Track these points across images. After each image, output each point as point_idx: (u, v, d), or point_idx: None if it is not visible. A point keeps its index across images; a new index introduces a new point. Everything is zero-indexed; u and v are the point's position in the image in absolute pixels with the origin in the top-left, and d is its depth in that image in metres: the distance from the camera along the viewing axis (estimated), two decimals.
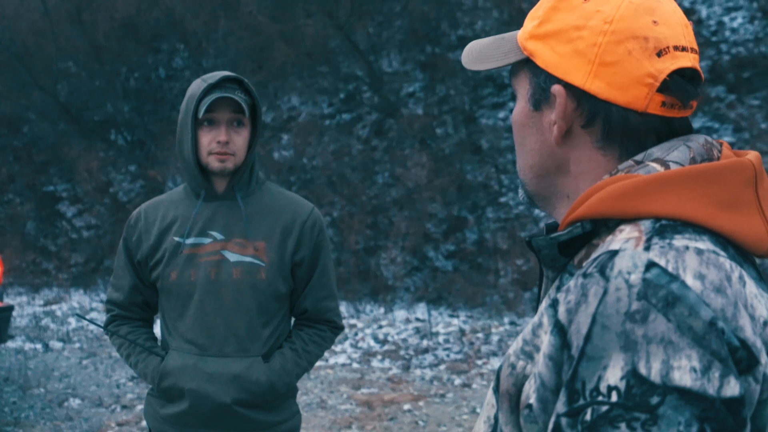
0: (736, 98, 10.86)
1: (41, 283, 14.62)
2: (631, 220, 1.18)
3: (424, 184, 11.53)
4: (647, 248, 1.11)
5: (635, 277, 1.07)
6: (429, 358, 9.11)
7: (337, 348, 9.68)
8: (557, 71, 1.29)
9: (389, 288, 11.32)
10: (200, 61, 15.45)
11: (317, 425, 7.20)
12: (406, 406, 7.52)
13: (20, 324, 12.35)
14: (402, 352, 9.46)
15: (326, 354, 9.40)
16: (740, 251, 1.20)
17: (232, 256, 2.95)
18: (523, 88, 1.37)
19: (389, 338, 10.06)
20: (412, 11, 13.58)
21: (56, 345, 10.77)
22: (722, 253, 1.14)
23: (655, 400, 1.01)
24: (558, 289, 1.28)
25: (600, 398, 1.03)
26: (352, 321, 10.86)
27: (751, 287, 1.15)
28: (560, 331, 1.10)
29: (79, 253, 14.46)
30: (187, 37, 16.14)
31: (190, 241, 2.97)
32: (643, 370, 1.02)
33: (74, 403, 8.19)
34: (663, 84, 1.24)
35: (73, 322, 12.44)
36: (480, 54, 1.43)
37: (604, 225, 1.22)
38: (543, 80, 1.31)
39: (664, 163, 1.23)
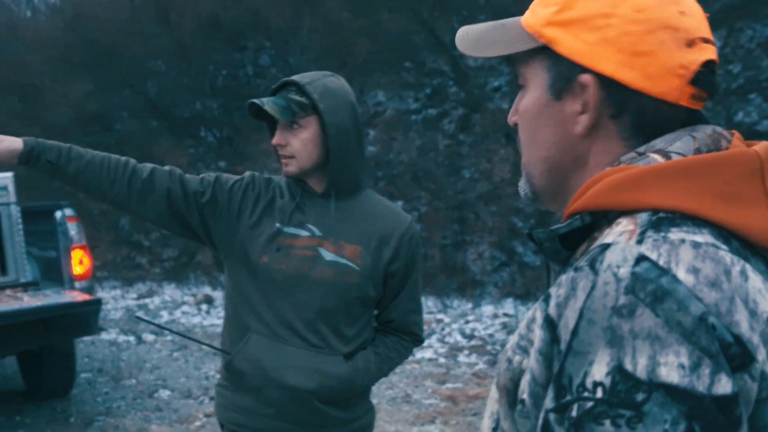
0: None
1: (134, 277, 14.89)
2: (630, 212, 1.16)
3: (510, 178, 11.47)
4: (640, 241, 1.09)
5: (624, 271, 1.05)
6: None
7: (425, 343, 9.56)
8: (583, 60, 1.25)
9: (476, 283, 11.28)
10: (286, 59, 15.56)
11: (401, 419, 7.19)
12: None
13: (114, 317, 12.62)
14: (488, 347, 9.42)
15: (415, 347, 9.38)
16: (747, 245, 1.16)
17: (327, 255, 2.90)
18: (537, 76, 1.32)
19: (476, 333, 10.01)
20: (495, 5, 13.49)
21: (148, 338, 10.95)
22: (723, 246, 1.11)
23: (640, 396, 0.99)
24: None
25: (585, 394, 1.02)
26: (439, 316, 10.83)
27: (756, 282, 1.11)
28: (550, 325, 1.09)
29: (171, 248, 14.70)
30: (272, 35, 16.25)
31: (289, 230, 2.92)
32: (628, 366, 1.00)
33: (164, 394, 8.35)
34: (694, 76, 1.22)
35: (165, 315, 12.67)
36: (480, 40, 1.38)
37: (604, 217, 1.20)
38: (567, 69, 1.27)
39: (666, 154, 1.20)
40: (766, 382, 1.05)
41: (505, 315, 10.60)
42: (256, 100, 2.84)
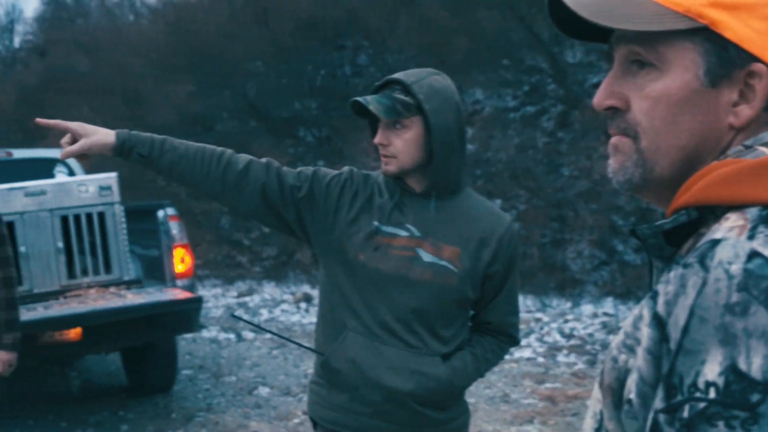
0: None
1: (235, 275, 15.09)
2: (738, 207, 1.11)
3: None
4: (751, 237, 1.04)
5: (736, 268, 1.01)
6: None
7: (523, 342, 9.59)
8: (754, 48, 1.18)
9: (576, 282, 11.17)
10: (384, 57, 15.61)
11: (499, 419, 7.15)
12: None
13: (215, 315, 12.81)
14: (588, 347, 9.31)
15: (512, 348, 9.35)
16: None
17: (426, 256, 2.88)
18: (685, 59, 1.22)
19: (575, 333, 9.92)
20: None
21: (248, 335, 11.07)
22: None
23: (755, 397, 0.95)
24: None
25: (698, 394, 0.98)
26: (538, 315, 10.77)
27: None
28: (659, 323, 1.05)
29: (271, 246, 14.85)
30: (369, 34, 16.32)
31: (387, 229, 2.89)
32: (743, 366, 0.96)
33: (263, 391, 8.41)
34: None
35: (265, 313, 12.82)
36: (605, 8, 1.25)
37: (711, 213, 1.15)
38: (734, 55, 1.19)
39: None
40: None
41: (605, 314, 10.47)
42: (360, 99, 2.81)
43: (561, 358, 9.05)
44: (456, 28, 14.23)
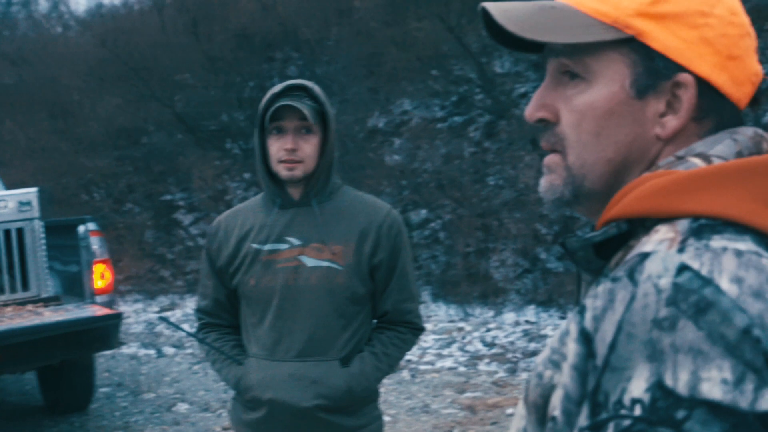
0: None
1: (158, 290, 14.95)
2: (669, 219, 1.10)
3: (535, 185, 11.30)
4: (681, 250, 1.03)
5: (665, 282, 0.99)
6: None
7: (444, 352, 9.66)
8: (680, 58, 1.18)
9: (499, 290, 11.24)
10: (314, 69, 15.59)
11: (419, 430, 7.18)
12: (510, 410, 7.42)
13: (135, 330, 12.65)
14: (509, 355, 9.37)
15: (433, 358, 9.44)
16: None
17: (309, 261, 2.96)
18: (612, 70, 1.21)
19: (497, 341, 9.97)
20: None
21: (169, 351, 10.99)
22: (766, 254, 1.05)
23: (681, 414, 0.93)
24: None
25: (623, 412, 0.96)
26: (461, 324, 10.81)
27: None
28: (586, 339, 1.04)
29: (194, 260, 14.72)
30: (299, 45, 16.34)
31: (267, 247, 3.00)
32: (669, 382, 0.94)
33: (182, 407, 8.32)
34: (761, 84, 1.22)
35: (187, 327, 12.62)
36: (533, 22, 1.24)
37: (641, 225, 1.14)
38: (661, 66, 1.18)
39: (707, 158, 1.15)
40: None
41: (527, 322, 10.56)
42: (295, 104, 2.89)
43: (482, 366, 9.08)
44: (387, 38, 14.30)
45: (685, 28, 1.19)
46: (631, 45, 1.20)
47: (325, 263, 2.95)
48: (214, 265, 3.15)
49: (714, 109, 1.19)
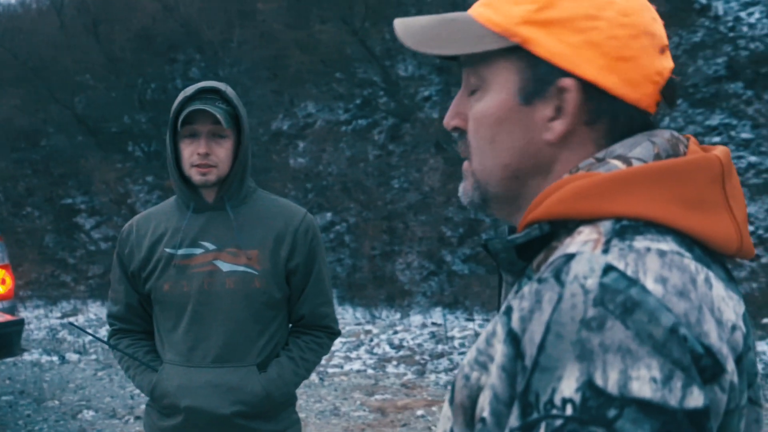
0: (754, 94, 10.72)
1: (59, 295, 14.68)
2: (591, 221, 1.11)
3: (440, 188, 11.46)
4: (605, 251, 1.04)
5: (592, 282, 1.00)
6: (444, 362, 9.06)
7: (353, 354, 9.68)
8: (565, 63, 1.18)
9: (405, 293, 11.30)
10: (216, 71, 15.48)
11: None
12: (420, 412, 7.47)
13: (37, 337, 12.41)
14: (417, 357, 9.42)
15: (341, 361, 9.44)
16: (708, 251, 1.13)
17: (225, 266, 2.92)
18: (502, 78, 1.24)
19: (405, 343, 10.02)
20: (427, 15, 13.48)
21: (72, 357, 10.79)
22: (687, 254, 1.08)
23: (612, 413, 0.94)
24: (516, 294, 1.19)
25: (554, 411, 0.97)
26: (368, 327, 10.85)
27: (719, 290, 1.08)
28: (513, 340, 1.04)
29: (96, 264, 14.51)
30: (203, 47, 16.19)
31: (181, 252, 2.95)
32: (599, 381, 0.95)
33: (88, 415, 8.18)
34: (666, 83, 1.21)
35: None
36: (428, 35, 1.28)
37: (563, 226, 1.15)
38: (544, 72, 1.20)
39: (627, 160, 1.16)
40: (734, 392, 1.04)
41: (434, 324, 10.61)
42: (202, 106, 2.84)
43: (391, 369, 9.13)
44: (291, 41, 14.25)
45: (571, 32, 1.19)
46: (518, 53, 1.22)
47: (242, 268, 2.92)
48: (126, 269, 3.08)
49: (606, 112, 1.19)
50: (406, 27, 1.31)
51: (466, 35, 1.25)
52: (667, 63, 1.22)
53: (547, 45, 1.20)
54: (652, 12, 1.23)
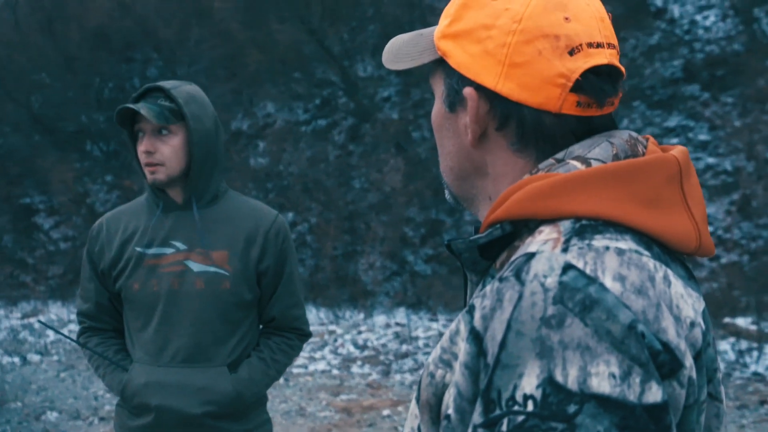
0: (710, 96, 10.88)
1: (19, 296, 14.51)
2: (551, 220, 1.13)
3: (401, 188, 11.50)
4: (565, 250, 1.06)
5: (551, 281, 1.02)
6: (409, 362, 9.08)
7: (317, 355, 9.64)
8: (468, 72, 1.23)
9: (368, 293, 11.29)
10: (174, 70, 15.38)
11: None
12: (386, 412, 7.48)
13: None
14: (382, 358, 9.44)
15: (305, 361, 9.41)
16: (667, 250, 1.16)
17: (195, 266, 2.90)
18: (438, 88, 1.30)
19: (369, 344, 10.02)
20: (385, 15, 13.54)
21: (34, 358, 10.69)
22: (645, 252, 1.10)
23: (572, 408, 0.96)
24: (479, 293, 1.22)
25: (516, 408, 0.98)
26: (332, 327, 10.81)
27: (678, 287, 1.11)
28: (476, 338, 1.05)
29: (56, 265, 14.39)
30: (160, 46, 16.07)
31: (151, 251, 2.93)
32: (559, 378, 0.97)
33: (51, 416, 8.13)
34: (576, 84, 1.19)
35: (51, 334, 12.36)
36: (399, 51, 1.36)
37: (525, 226, 1.17)
38: (456, 82, 1.25)
39: (585, 161, 1.18)
40: (693, 388, 1.06)
41: (398, 324, 10.60)
42: (131, 105, 2.81)
43: (355, 369, 9.13)
44: (248, 40, 14.19)
45: (472, 43, 1.23)
46: (444, 65, 1.28)
47: (212, 269, 2.90)
48: (96, 267, 3.04)
49: (512, 117, 1.21)
50: (389, 44, 1.39)
51: (419, 49, 1.33)
52: (581, 63, 1.19)
53: (455, 56, 1.25)
54: (568, 11, 1.22)
